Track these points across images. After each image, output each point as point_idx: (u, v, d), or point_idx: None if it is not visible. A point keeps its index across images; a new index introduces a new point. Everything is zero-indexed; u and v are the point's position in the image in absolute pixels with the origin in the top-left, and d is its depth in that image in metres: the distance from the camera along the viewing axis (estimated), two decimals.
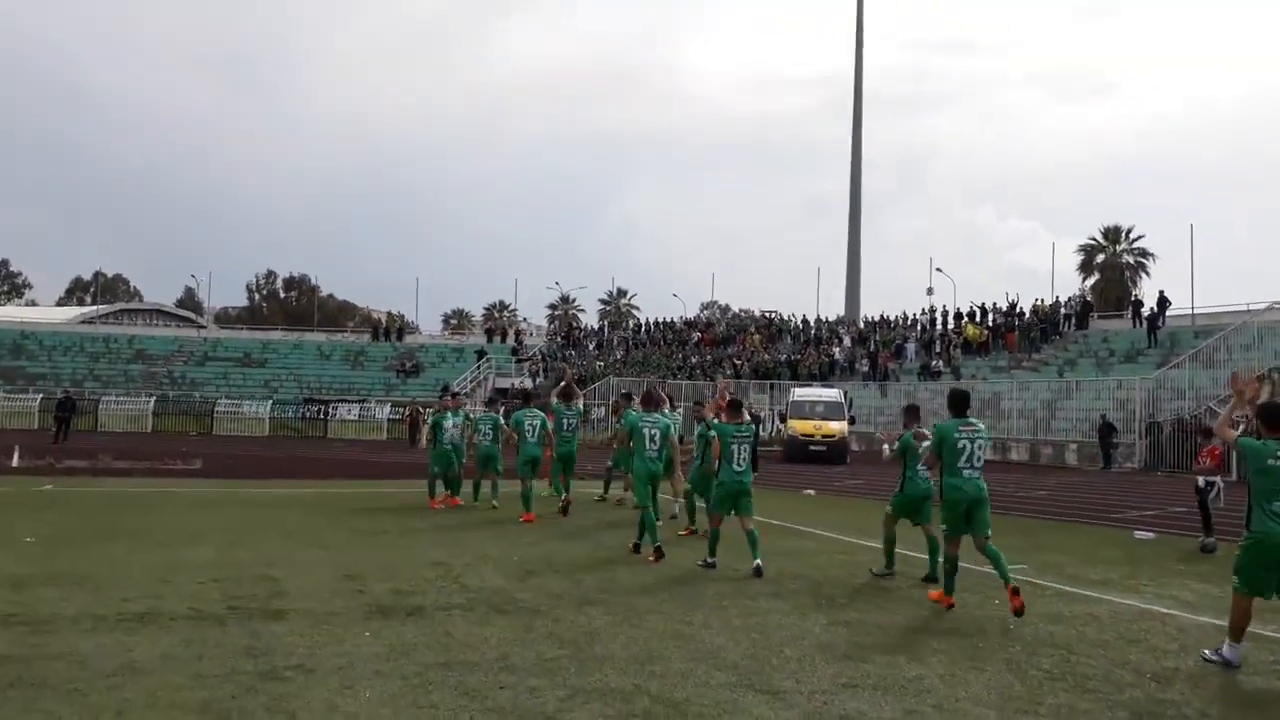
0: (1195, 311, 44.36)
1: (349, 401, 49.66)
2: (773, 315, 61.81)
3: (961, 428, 8.74)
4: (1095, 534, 14.68)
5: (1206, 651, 6.82)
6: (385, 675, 5.81)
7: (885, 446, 30.62)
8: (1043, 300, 52.37)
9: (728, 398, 11.37)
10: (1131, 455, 33.08)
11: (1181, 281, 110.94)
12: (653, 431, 11.27)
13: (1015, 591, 7.97)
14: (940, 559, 8.98)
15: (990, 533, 8.58)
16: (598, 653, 6.50)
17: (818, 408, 32.64)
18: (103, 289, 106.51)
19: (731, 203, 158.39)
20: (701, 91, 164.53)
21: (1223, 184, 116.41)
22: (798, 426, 32.05)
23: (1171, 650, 7.16)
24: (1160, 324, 42.50)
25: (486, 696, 5.44)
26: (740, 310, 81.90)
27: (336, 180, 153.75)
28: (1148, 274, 68.05)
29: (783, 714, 5.32)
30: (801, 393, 35.05)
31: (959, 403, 9.07)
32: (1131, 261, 68.49)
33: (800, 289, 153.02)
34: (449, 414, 16.11)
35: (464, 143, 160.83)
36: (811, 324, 59.55)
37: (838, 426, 32.30)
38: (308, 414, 45.90)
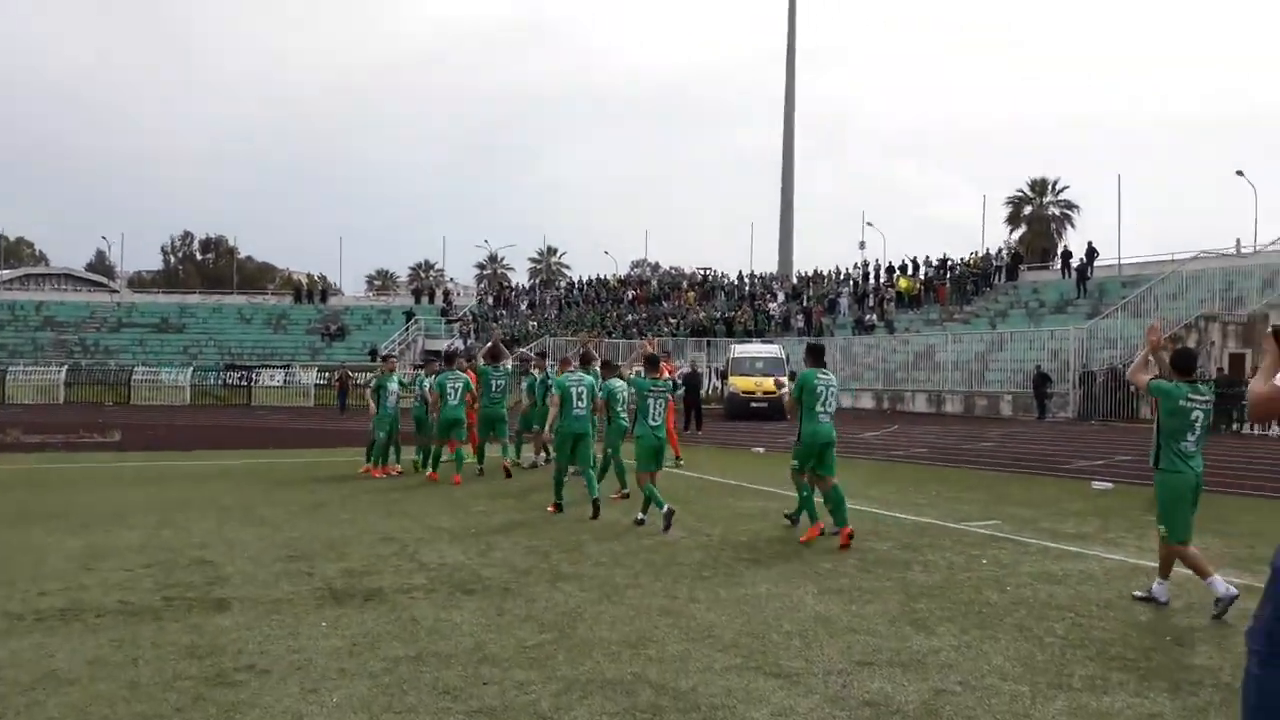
0: (1122, 262, 45.13)
1: (272, 367, 48.05)
2: (707, 272, 61.44)
3: (820, 375, 9.66)
4: (1053, 485, 14.53)
5: (1137, 591, 7.25)
6: (351, 674, 5.13)
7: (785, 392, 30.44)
8: (974, 253, 52.88)
9: (648, 351, 11.44)
10: (1065, 405, 33.49)
11: (1107, 232, 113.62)
12: (579, 390, 11.19)
13: (850, 535, 9.04)
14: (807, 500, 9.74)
15: (835, 473, 9.57)
16: (583, 636, 5.91)
17: (758, 364, 32.32)
18: (5, 253, 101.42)
19: (655, 159, 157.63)
20: (617, 45, 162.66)
21: (1144, 136, 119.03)
22: (738, 384, 31.72)
23: (1178, 609, 6.84)
24: (1089, 275, 43.10)
25: (470, 695, 4.81)
26: (671, 268, 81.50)
27: (252, 138, 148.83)
28: (1074, 226, 69.27)
29: (803, 701, 4.79)
30: (741, 349, 34.75)
31: (817, 353, 10.14)
32: (1058, 213, 69.56)
33: (730, 246, 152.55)
34: (391, 377, 15.29)
35: (381, 98, 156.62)
36: (745, 280, 59.33)
37: (768, 383, 32.05)
38: (230, 380, 44.27)
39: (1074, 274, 44.79)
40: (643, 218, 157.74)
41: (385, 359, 17.91)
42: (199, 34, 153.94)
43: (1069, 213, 69.85)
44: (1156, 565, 7.29)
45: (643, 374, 11.25)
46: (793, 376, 11.26)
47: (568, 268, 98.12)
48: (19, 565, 7.92)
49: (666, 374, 16.45)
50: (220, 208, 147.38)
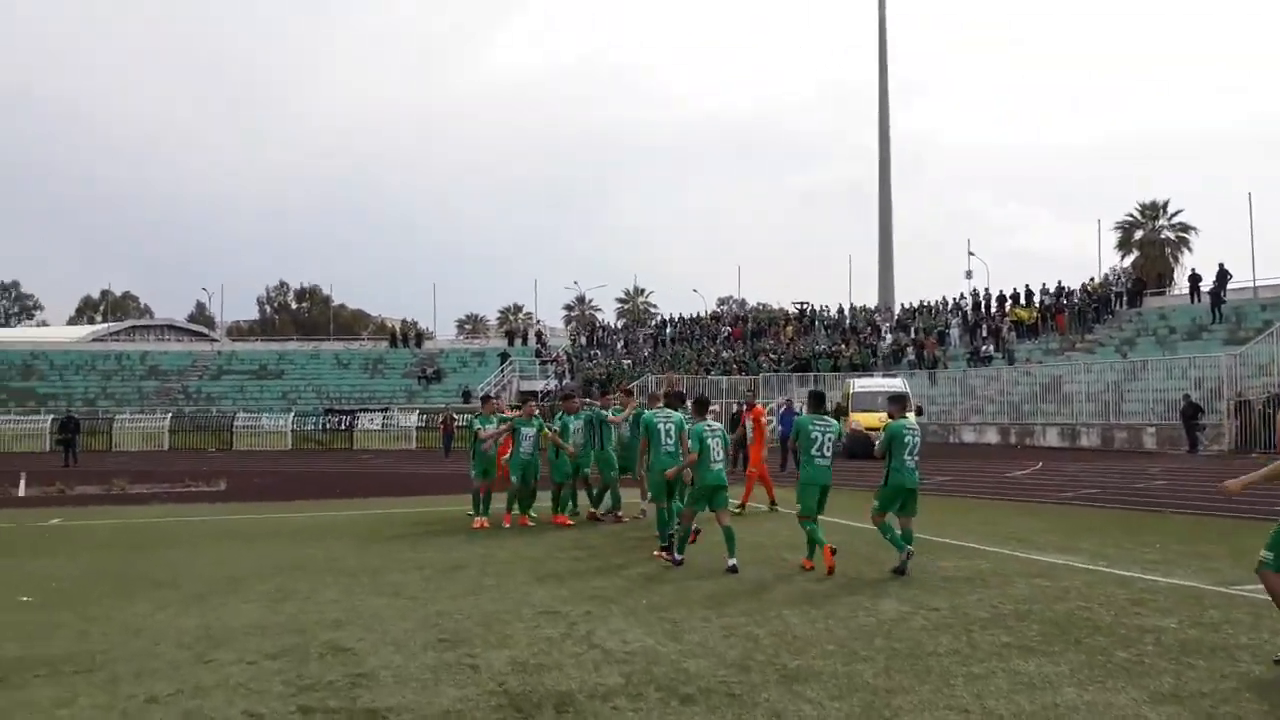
0: (1257, 284, 41.98)
1: (371, 410, 47.60)
2: (803, 306, 59.42)
3: (815, 422, 10.23)
4: None
5: None
6: None
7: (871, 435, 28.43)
8: (1092, 279, 50.01)
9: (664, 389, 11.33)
10: (1219, 437, 30.66)
11: (1221, 256, 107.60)
12: (667, 427, 11.14)
13: (833, 551, 9.60)
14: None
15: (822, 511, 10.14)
16: None
17: (880, 399, 30.19)
18: (113, 307, 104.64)
19: (737, 197, 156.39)
20: (694, 87, 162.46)
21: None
22: (862, 420, 29.66)
23: None
24: (1223, 299, 40.06)
25: None
26: (759, 304, 79.58)
27: (338, 190, 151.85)
28: (1189, 249, 65.54)
29: None
30: (863, 383, 32.72)
31: (817, 401, 10.85)
32: (1173, 237, 65.90)
33: (823, 281, 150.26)
34: (531, 421, 13.87)
35: (459, 148, 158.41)
36: (845, 313, 57.21)
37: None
38: (329, 425, 43.81)
39: (1203, 298, 41.82)
40: (729, 255, 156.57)
41: (523, 402, 16.29)
42: (282, 87, 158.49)
43: (1185, 235, 66.17)
44: None
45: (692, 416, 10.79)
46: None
47: (655, 306, 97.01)
48: (123, 654, 6.57)
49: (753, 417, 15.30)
50: (312, 258, 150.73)
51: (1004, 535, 12.25)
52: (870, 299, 60.63)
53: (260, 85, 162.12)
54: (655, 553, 10.67)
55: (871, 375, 38.62)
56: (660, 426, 11.10)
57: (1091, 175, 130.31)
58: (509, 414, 14.63)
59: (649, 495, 12.15)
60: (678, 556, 10.08)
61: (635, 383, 42.95)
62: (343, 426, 43.22)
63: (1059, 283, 48.99)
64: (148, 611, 8.01)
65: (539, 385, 54.51)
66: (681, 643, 6.75)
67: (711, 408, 11.80)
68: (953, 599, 8.23)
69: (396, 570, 9.97)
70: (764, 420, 17.19)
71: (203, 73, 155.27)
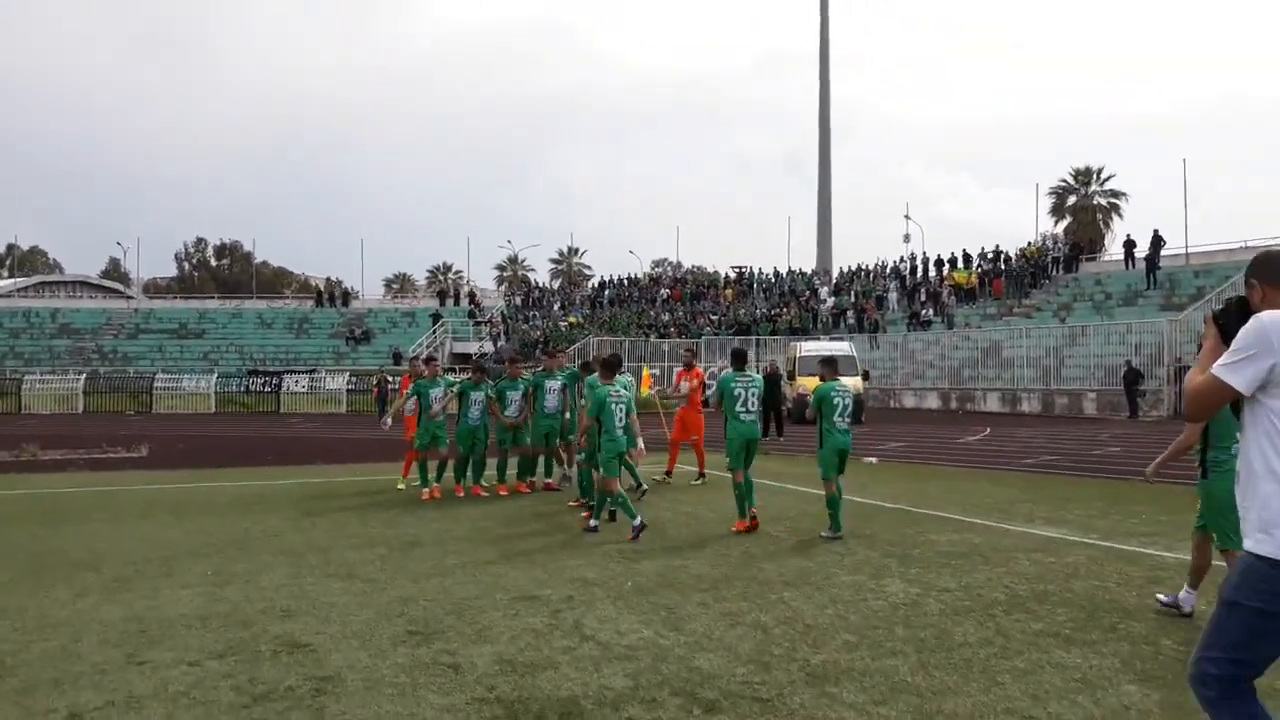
0: (1190, 250, 42.61)
1: (297, 372, 45.87)
2: (743, 269, 59.02)
3: (739, 378, 10.44)
4: None
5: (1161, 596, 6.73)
6: None
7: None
8: (1030, 243, 50.38)
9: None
10: (1159, 403, 31.03)
11: (1153, 222, 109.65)
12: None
13: (754, 518, 9.99)
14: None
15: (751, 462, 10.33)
16: None
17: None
18: (19, 262, 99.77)
19: (666, 161, 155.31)
20: (630, 47, 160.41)
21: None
22: (808, 385, 29.24)
23: None
24: (1158, 265, 40.53)
25: None
26: (694, 266, 78.91)
27: (262, 144, 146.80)
28: (1120, 215, 66.60)
29: None
30: (809, 347, 32.32)
31: (739, 358, 10.92)
32: (1104, 204, 66.87)
33: (752, 245, 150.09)
34: (481, 386, 13.01)
35: (388, 103, 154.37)
36: (785, 277, 56.95)
37: (852, 383, 29.55)
38: (253, 387, 42.09)
39: (1138, 264, 42.34)
40: (666, 219, 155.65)
41: (499, 364, 15.31)
42: (207, 39, 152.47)
43: (1116, 202, 67.19)
44: None
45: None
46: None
47: (589, 268, 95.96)
48: (38, 654, 5.62)
49: (694, 379, 14.62)
50: (233, 214, 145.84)
51: (981, 505, 11.78)
52: (808, 264, 60.46)
53: (182, 31, 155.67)
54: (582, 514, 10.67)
55: (817, 339, 38.25)
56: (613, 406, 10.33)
57: (1019, 147, 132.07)
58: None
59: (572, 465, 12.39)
60: (593, 523, 10.04)
61: (574, 346, 42.05)
62: (268, 388, 41.56)
63: (996, 247, 49.30)
64: (66, 599, 7.02)
65: (473, 347, 53.34)
66: (684, 634, 6.04)
67: (621, 371, 11.53)
68: (960, 578, 7.65)
69: (346, 547, 9.08)
70: (706, 382, 16.54)
71: (121, 16, 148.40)
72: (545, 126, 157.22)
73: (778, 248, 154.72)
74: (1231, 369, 2.92)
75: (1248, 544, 2.95)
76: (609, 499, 10.07)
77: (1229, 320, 3.06)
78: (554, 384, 13.16)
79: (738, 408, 10.27)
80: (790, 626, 6.19)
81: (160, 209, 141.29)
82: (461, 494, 12.71)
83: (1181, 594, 6.53)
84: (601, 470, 10.25)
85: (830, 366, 10.56)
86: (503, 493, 12.99)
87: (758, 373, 13.10)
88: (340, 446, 22.06)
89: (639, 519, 9.57)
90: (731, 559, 8.49)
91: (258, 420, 33.41)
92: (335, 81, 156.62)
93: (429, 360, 15.10)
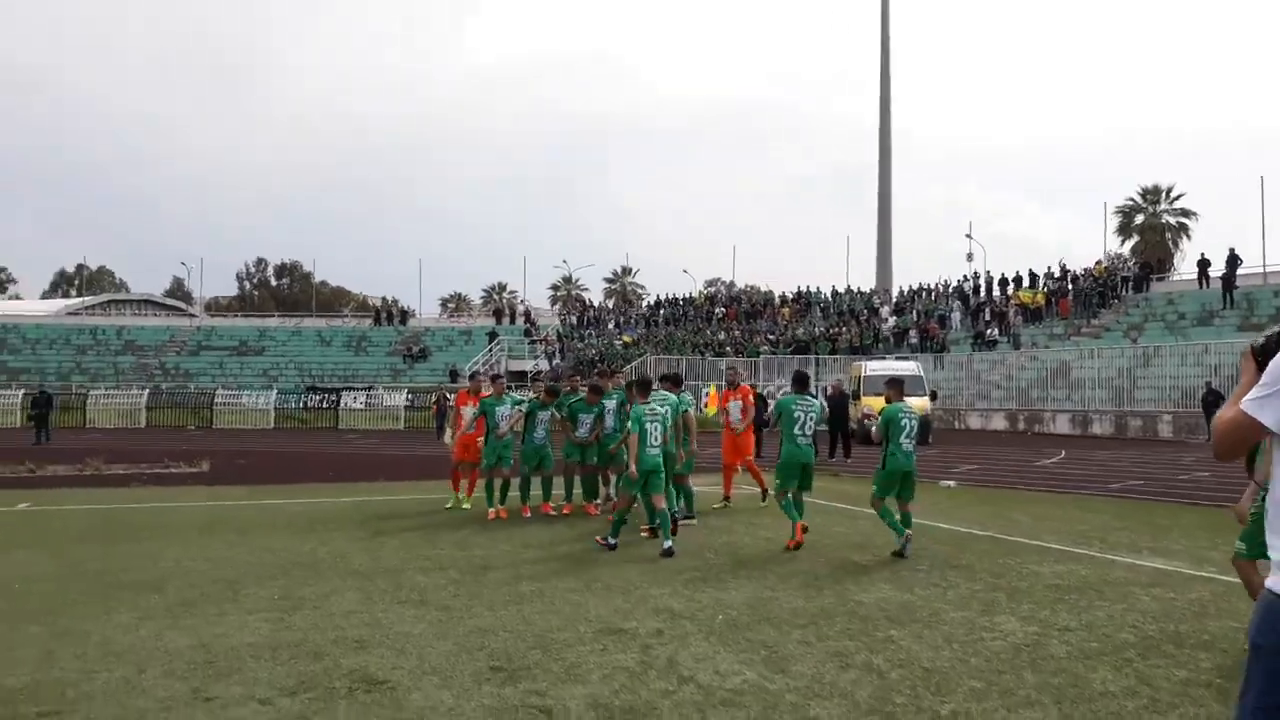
0: (1268, 269, 41.11)
1: (355, 389, 46.02)
2: (802, 289, 58.22)
3: (799, 401, 10.63)
4: None
5: None
6: None
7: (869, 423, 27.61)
8: (1099, 262, 49.07)
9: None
10: None
11: (1225, 241, 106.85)
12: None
13: (804, 529, 10.11)
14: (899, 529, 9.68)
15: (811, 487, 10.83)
16: None
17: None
18: (88, 281, 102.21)
19: (720, 183, 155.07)
20: (671, 74, 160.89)
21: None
22: (874, 404, 28.52)
23: None
24: (1234, 284, 39.13)
25: None
26: (747, 285, 78.21)
27: (320, 166, 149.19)
28: (1189, 236, 64.68)
29: None
30: (875, 367, 31.54)
31: (800, 381, 11.30)
32: (1173, 222, 65.02)
33: (808, 264, 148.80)
34: (549, 406, 12.65)
35: (445, 128, 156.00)
36: (843, 295, 56.08)
37: (920, 403, 28.74)
38: (310, 403, 42.26)
39: (1212, 283, 40.94)
40: (719, 239, 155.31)
41: (550, 389, 13.66)
42: (269, 60, 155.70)
43: (1185, 221, 65.28)
44: None
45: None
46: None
47: (642, 287, 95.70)
48: (101, 687, 5.26)
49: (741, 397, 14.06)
50: (293, 235, 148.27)
51: (1076, 533, 11.08)
52: (866, 283, 59.49)
53: (243, 58, 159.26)
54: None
55: (883, 359, 37.44)
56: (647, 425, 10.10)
57: (1079, 168, 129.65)
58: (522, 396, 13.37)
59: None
60: (612, 541, 9.89)
61: (631, 364, 41.67)
62: (325, 405, 41.70)
63: (1062, 266, 48.08)
64: (130, 623, 6.69)
65: (528, 365, 53.27)
66: (791, 676, 5.51)
67: (681, 389, 11.49)
68: (1078, 615, 7.03)
69: (416, 570, 8.68)
70: (750, 401, 15.74)
71: (184, 43, 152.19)
72: (598, 150, 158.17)
73: (832, 268, 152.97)
74: (1260, 404, 2.72)
75: (1269, 582, 2.77)
76: (658, 514, 10.01)
77: (1269, 353, 2.86)
78: (611, 404, 12.73)
79: (795, 430, 10.45)
80: (907, 670, 5.64)
81: (223, 229, 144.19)
82: (528, 514, 12.28)
83: None
84: (621, 486, 10.30)
85: (896, 387, 10.43)
86: (567, 512, 12.59)
87: (818, 396, 12.84)
88: (400, 463, 21.82)
89: (669, 544, 9.54)
90: (824, 591, 7.93)
91: (316, 436, 33.43)
92: (393, 104, 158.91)
93: (495, 378, 14.74)
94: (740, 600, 7.52)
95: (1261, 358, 2.89)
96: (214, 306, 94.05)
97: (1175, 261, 60.43)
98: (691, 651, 6.03)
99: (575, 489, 12.99)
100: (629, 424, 10.13)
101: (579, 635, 6.40)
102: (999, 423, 37.59)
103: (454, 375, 50.90)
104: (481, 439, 12.80)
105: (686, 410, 11.80)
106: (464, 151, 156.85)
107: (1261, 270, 41.08)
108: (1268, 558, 3.09)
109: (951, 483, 17.09)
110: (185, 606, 7.22)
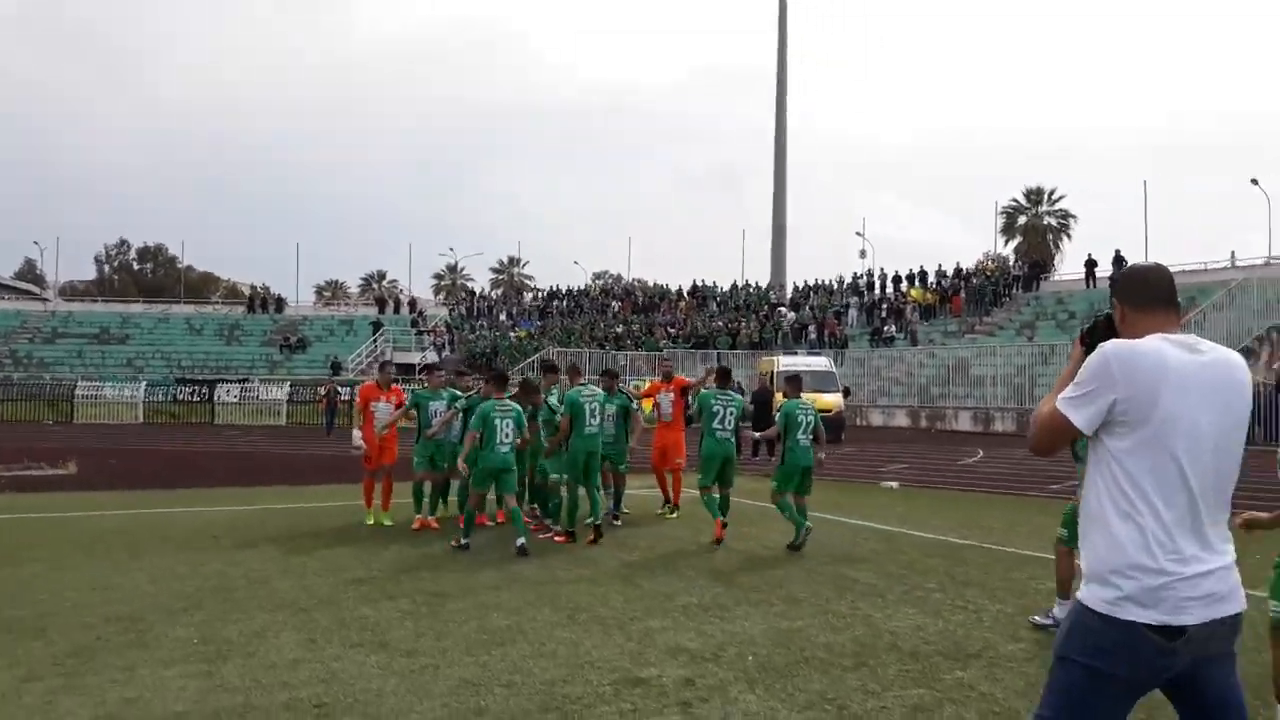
0: None
1: (228, 380, 43.19)
2: (698, 282, 57.71)
3: (719, 396, 10.73)
4: None
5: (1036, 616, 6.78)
6: None
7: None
8: (990, 260, 50.04)
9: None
10: None
11: (1101, 245, 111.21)
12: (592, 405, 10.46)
13: (724, 525, 10.18)
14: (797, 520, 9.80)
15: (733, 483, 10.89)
16: None
17: (807, 379, 28.40)
18: None
19: (610, 175, 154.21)
20: (563, 61, 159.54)
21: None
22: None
23: None
24: None
25: None
26: (635, 280, 77.51)
27: (189, 147, 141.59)
28: (1069, 236, 66.93)
29: None
30: (787, 361, 31.01)
31: (724, 376, 11.40)
32: (1054, 224, 67.16)
33: (699, 259, 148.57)
34: (459, 397, 11.25)
35: (321, 110, 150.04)
36: (739, 290, 55.82)
37: (833, 399, 28.43)
38: (181, 396, 39.32)
39: (1099, 283, 42.10)
40: (608, 233, 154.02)
41: (460, 374, 12.64)
42: (136, 37, 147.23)
43: (1065, 223, 67.54)
44: None
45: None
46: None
47: (531, 278, 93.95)
48: None
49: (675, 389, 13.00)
50: (157, 217, 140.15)
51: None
52: (761, 280, 59.41)
53: (102, 27, 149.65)
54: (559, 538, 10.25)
55: (795, 354, 37.06)
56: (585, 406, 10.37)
57: (955, 167, 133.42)
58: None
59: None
60: (464, 541, 9.64)
61: (530, 358, 40.22)
62: (198, 398, 38.86)
63: (956, 265, 48.85)
64: (7, 686, 5.17)
65: (415, 358, 51.26)
66: None
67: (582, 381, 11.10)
68: None
69: (358, 600, 7.30)
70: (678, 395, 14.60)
71: (38, 10, 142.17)
72: (483, 137, 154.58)
73: (729, 263, 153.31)
74: (1073, 404, 2.69)
75: (1079, 594, 2.71)
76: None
77: (1095, 340, 2.80)
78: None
79: (715, 424, 10.56)
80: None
81: (80, 213, 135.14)
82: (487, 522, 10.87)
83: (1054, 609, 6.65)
84: (472, 485, 10.04)
85: (795, 384, 10.77)
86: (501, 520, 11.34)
87: (739, 392, 12.42)
88: (293, 464, 20.01)
89: (521, 541, 9.33)
90: (846, 618, 6.93)
91: (192, 432, 30.93)
92: (262, 83, 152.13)
93: (431, 369, 13.17)
94: (758, 633, 6.44)
95: (1089, 342, 2.80)
96: (69, 291, 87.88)
97: (1056, 262, 62.40)
98: (742, 709, 4.92)
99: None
100: (472, 421, 9.83)
101: (594, 690, 5.21)
102: (901, 419, 37.70)
103: (335, 368, 48.45)
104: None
105: (630, 407, 11.83)
106: (340, 135, 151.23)
107: None
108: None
109: (894, 484, 16.44)
110: (79, 658, 5.71)
